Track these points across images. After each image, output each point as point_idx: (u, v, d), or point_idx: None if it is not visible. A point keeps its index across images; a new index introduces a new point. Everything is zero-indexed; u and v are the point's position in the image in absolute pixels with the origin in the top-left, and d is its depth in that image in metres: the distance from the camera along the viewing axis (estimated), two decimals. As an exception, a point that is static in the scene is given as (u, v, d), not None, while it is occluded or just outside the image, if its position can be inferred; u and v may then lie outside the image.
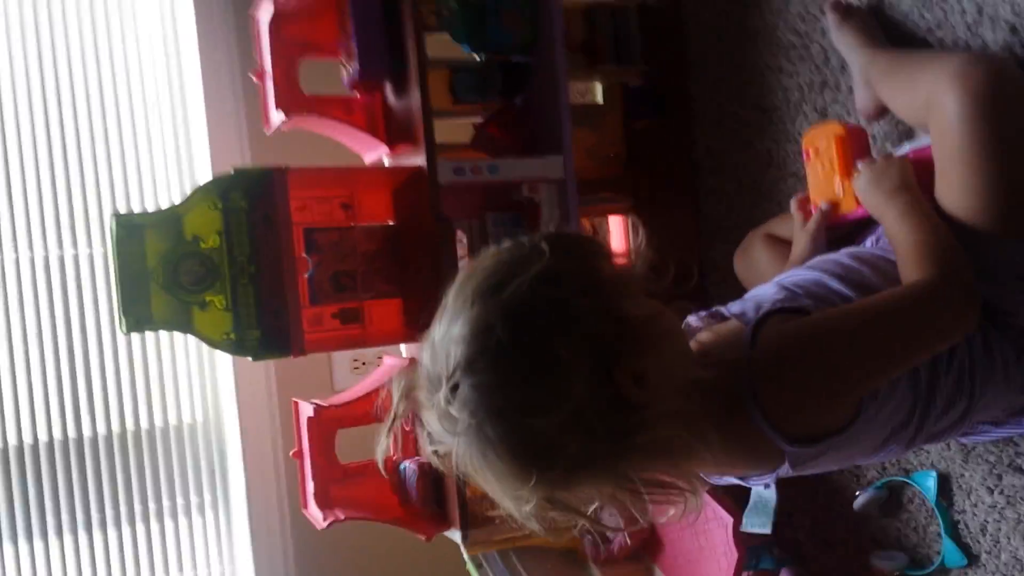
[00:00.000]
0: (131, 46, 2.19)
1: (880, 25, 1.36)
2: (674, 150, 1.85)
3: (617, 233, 2.05)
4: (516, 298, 0.78)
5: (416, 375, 0.84)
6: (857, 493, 1.47)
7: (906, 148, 1.23)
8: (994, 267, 1.02)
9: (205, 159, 2.13)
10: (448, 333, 0.80)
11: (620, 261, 0.87)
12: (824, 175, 1.27)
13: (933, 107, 1.04)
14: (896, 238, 1.05)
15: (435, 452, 0.83)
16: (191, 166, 2.21)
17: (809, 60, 1.50)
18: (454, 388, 0.78)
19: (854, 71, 1.35)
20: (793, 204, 1.34)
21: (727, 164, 1.73)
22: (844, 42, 1.36)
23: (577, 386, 0.77)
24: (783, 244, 1.39)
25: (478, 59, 1.75)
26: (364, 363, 2.16)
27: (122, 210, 2.08)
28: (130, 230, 1.44)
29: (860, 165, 1.16)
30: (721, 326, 1.02)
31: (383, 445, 0.88)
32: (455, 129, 1.80)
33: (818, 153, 1.28)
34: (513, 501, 0.81)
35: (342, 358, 2.15)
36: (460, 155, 1.71)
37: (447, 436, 0.80)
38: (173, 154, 2.21)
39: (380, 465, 0.88)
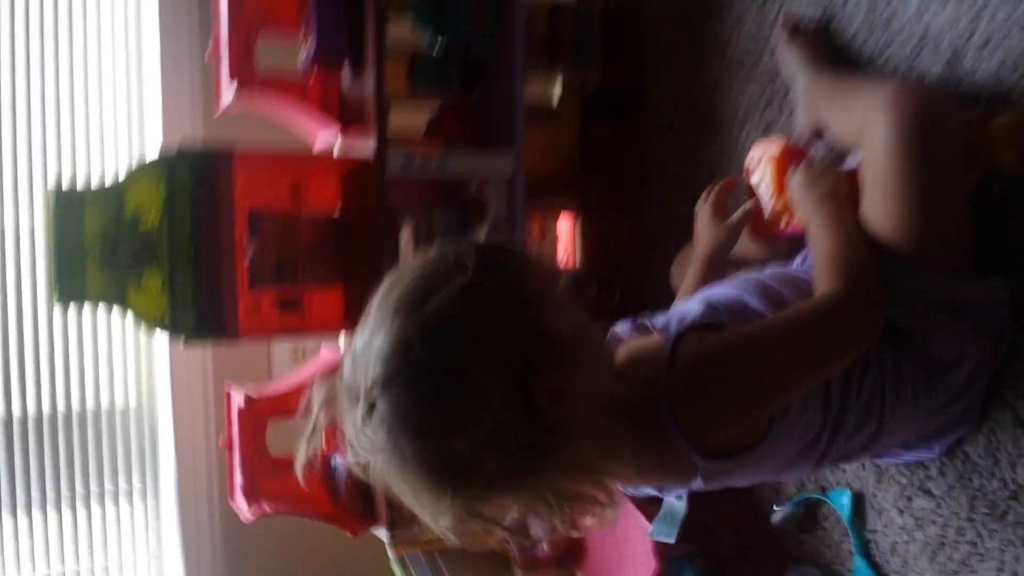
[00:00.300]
0: (91, 19, 2.16)
1: (827, 46, 1.38)
2: (626, 155, 1.86)
3: (564, 235, 2.07)
4: (437, 313, 0.78)
5: (336, 383, 0.83)
6: (775, 508, 1.49)
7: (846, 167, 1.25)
8: (910, 294, 1.04)
9: (157, 137, 2.10)
10: (368, 346, 0.80)
11: (545, 274, 0.87)
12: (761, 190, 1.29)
13: (865, 132, 1.07)
14: (815, 244, 1.07)
15: (356, 462, 0.83)
16: (142, 143, 2.18)
17: (758, 78, 1.53)
18: (371, 407, 0.78)
19: (798, 90, 1.38)
20: (712, 197, 1.35)
21: (674, 173, 1.74)
22: (790, 60, 1.39)
23: (493, 407, 0.77)
24: None
25: (438, 49, 1.75)
26: (304, 354, 2.15)
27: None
28: (68, 204, 1.41)
29: (799, 168, 1.19)
30: (644, 339, 1.02)
31: (302, 455, 0.87)
32: (409, 120, 1.79)
33: (756, 169, 1.30)
34: (431, 516, 0.81)
35: (281, 347, 2.13)
36: (412, 147, 1.71)
37: (364, 451, 0.81)
38: (125, 130, 2.18)
39: (300, 475, 0.87)
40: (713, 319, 1.00)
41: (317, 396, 0.85)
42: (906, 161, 1.01)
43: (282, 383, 1.68)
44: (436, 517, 0.81)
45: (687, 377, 0.91)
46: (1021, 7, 1.11)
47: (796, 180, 1.17)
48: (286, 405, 1.62)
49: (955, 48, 1.20)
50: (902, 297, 1.04)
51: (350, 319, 1.65)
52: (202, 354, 2.09)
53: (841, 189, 1.11)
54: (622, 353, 1.01)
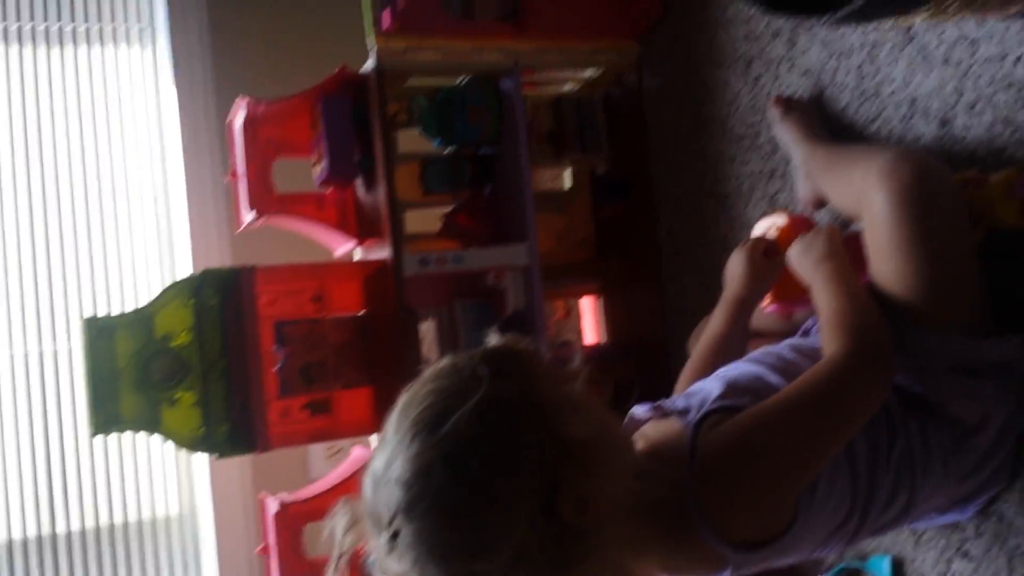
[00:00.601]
0: (116, 150, 2.27)
1: (821, 118, 1.41)
2: (639, 234, 1.89)
3: (588, 314, 2.10)
4: (455, 434, 0.77)
5: (359, 507, 0.82)
6: (819, 578, 1.47)
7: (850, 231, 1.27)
8: (926, 358, 1.04)
9: (187, 261, 2.18)
10: (388, 471, 0.79)
11: (561, 376, 0.86)
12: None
13: (864, 202, 1.08)
14: (820, 304, 1.07)
15: None
16: (173, 268, 2.26)
17: (758, 150, 1.56)
18: (395, 534, 0.77)
19: (796, 164, 1.40)
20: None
21: (687, 248, 1.77)
22: (786, 135, 1.42)
23: (519, 524, 0.76)
24: None
25: (447, 152, 1.81)
26: (339, 450, 2.17)
27: (104, 310, 2.12)
28: (100, 332, 1.47)
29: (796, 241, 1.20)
30: (663, 426, 1.01)
31: None
32: (428, 219, 1.85)
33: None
34: None
35: (317, 446, 2.16)
36: (430, 244, 1.76)
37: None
38: (156, 256, 2.27)
39: None
40: (730, 401, 0.98)
41: (340, 522, 0.84)
42: (907, 228, 1.02)
43: (316, 486, 1.71)
44: None
45: (709, 470, 0.90)
46: (1004, 67, 1.13)
47: (795, 248, 1.18)
48: (321, 507, 1.63)
49: (945, 111, 1.22)
50: (919, 361, 1.04)
51: (380, 417, 1.67)
52: (240, 461, 2.12)
53: (839, 248, 1.12)
54: (641, 443, 1.00)
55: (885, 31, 1.29)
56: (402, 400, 0.83)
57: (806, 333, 1.20)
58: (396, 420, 0.81)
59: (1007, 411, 1.07)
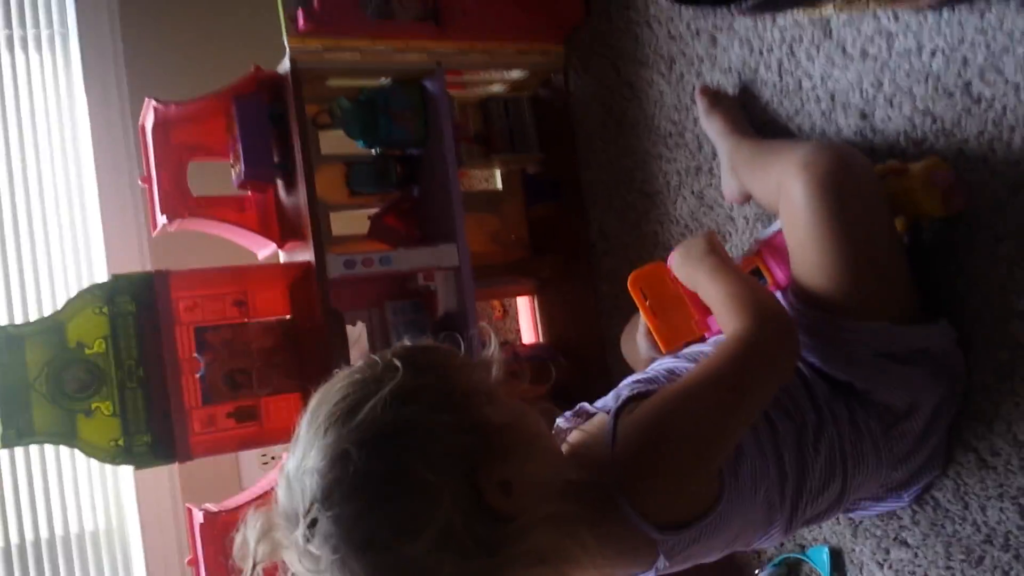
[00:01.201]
0: (29, 156, 2.20)
1: (745, 115, 1.41)
2: (572, 233, 1.89)
3: (525, 314, 2.09)
4: (370, 421, 0.76)
5: (272, 513, 0.80)
6: (756, 572, 1.47)
7: (772, 229, 1.27)
8: (852, 346, 1.05)
9: (102, 267, 2.12)
10: (302, 465, 0.77)
11: (475, 367, 0.85)
12: (666, 310, 1.23)
13: (783, 194, 1.08)
14: (710, 297, 1.07)
15: None
16: (89, 275, 2.20)
17: (685, 147, 1.56)
18: (312, 523, 0.74)
19: (721, 157, 1.40)
20: None
21: (619, 245, 1.76)
22: (712, 129, 1.42)
23: (442, 505, 0.74)
24: None
25: (374, 153, 1.78)
26: (273, 457, 2.13)
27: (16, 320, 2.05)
28: (9, 341, 1.41)
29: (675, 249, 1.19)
30: (589, 423, 1.02)
31: None
32: (357, 221, 1.82)
33: (651, 293, 1.23)
34: None
35: (249, 454, 2.12)
36: (359, 246, 1.73)
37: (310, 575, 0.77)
38: (71, 263, 2.20)
39: None
40: (644, 387, 0.99)
41: (252, 530, 0.81)
42: (825, 217, 1.02)
43: (243, 495, 1.67)
44: None
45: (626, 452, 0.90)
46: (921, 60, 1.14)
47: (675, 260, 1.17)
48: (250, 518, 1.60)
49: (865, 104, 1.23)
50: (845, 350, 1.04)
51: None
52: (168, 471, 2.07)
53: (716, 243, 1.13)
54: (571, 440, 0.99)
55: (803, 27, 1.29)
56: (314, 399, 0.82)
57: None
58: (309, 417, 0.80)
59: (936, 397, 1.08)
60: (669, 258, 1.19)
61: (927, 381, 1.07)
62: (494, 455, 0.78)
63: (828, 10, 0.90)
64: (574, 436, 1.00)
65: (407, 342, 0.85)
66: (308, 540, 0.75)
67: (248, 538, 0.82)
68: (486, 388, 0.83)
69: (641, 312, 1.23)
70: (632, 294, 1.22)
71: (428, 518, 0.74)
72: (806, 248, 1.06)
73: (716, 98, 1.42)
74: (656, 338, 1.22)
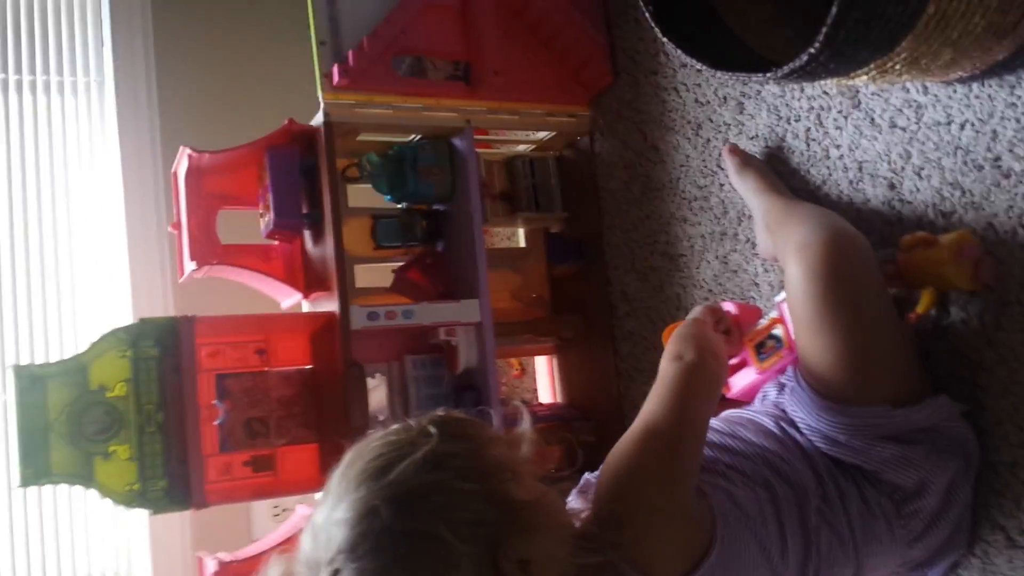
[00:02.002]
0: (60, 199, 2.23)
1: (775, 175, 1.42)
2: (593, 294, 1.89)
3: (543, 373, 2.08)
4: (401, 481, 0.77)
5: (295, 561, 0.81)
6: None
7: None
8: (853, 429, 1.05)
9: (127, 310, 2.14)
10: (330, 516, 0.78)
11: (506, 445, 0.87)
12: None
13: (784, 272, 1.10)
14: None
15: None
16: (115, 316, 2.21)
17: (710, 211, 1.57)
18: (335, 573, 0.75)
19: (755, 215, 1.40)
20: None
21: (640, 307, 1.77)
22: (745, 187, 1.41)
23: (461, 571, 0.75)
24: None
25: (400, 207, 1.80)
26: (284, 509, 2.11)
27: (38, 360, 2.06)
28: (31, 381, 1.42)
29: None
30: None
31: None
32: (380, 274, 1.83)
33: None
34: None
35: (261, 506, 2.10)
36: (381, 299, 1.73)
37: None
38: (95, 305, 2.21)
39: None
40: None
41: (273, 573, 0.82)
42: (820, 304, 1.04)
43: (256, 545, 1.65)
44: None
45: (601, 513, 0.91)
46: (950, 132, 1.15)
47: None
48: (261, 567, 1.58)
49: (893, 175, 1.24)
50: (847, 434, 1.04)
51: (326, 475, 1.63)
52: (181, 519, 2.06)
53: (696, 333, 1.14)
54: (583, 518, 0.98)
55: (831, 97, 1.31)
56: (348, 456, 0.83)
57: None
58: (342, 472, 0.81)
59: (949, 473, 1.06)
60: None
61: (935, 459, 1.05)
62: (516, 532, 0.79)
63: (861, 79, 0.91)
64: (584, 513, 0.99)
65: (441, 412, 0.87)
66: None
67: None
68: (513, 464, 0.84)
69: None
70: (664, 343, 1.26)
71: None
72: (803, 330, 1.07)
73: (746, 157, 1.43)
74: None
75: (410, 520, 0.76)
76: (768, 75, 0.85)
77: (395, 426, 0.84)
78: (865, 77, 0.90)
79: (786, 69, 0.83)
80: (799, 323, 1.08)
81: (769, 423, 1.12)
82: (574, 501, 1.03)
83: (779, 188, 1.39)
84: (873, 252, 1.09)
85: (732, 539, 0.94)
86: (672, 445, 0.95)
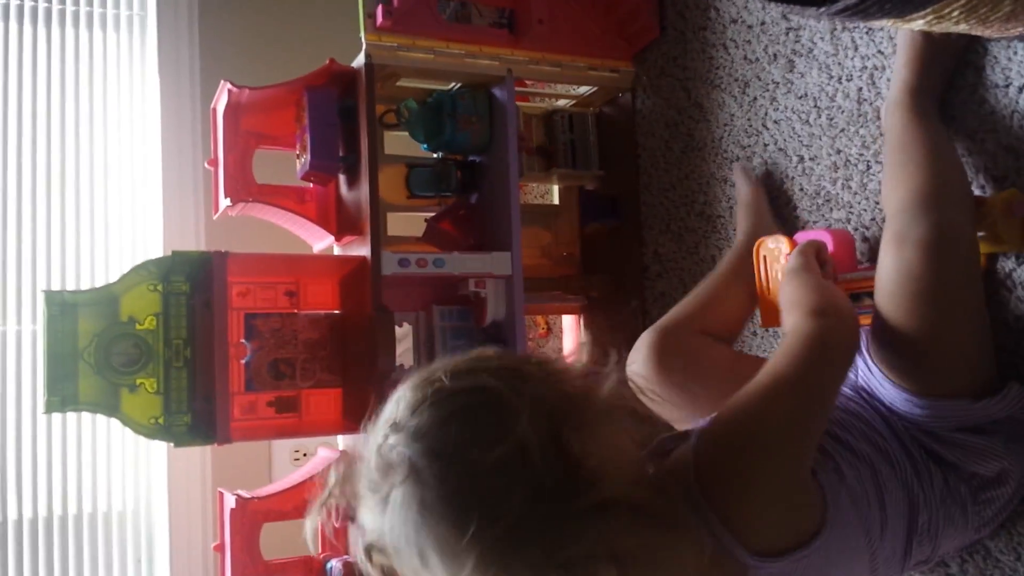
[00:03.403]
0: (98, 131, 2.23)
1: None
2: (626, 254, 1.87)
3: (569, 331, 2.06)
4: (467, 362, 0.78)
5: (358, 462, 0.80)
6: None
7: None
8: (934, 422, 1.02)
9: (158, 243, 2.14)
10: (398, 420, 0.77)
11: (585, 376, 0.82)
12: (773, 288, 1.25)
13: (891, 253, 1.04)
14: (782, 295, 1.07)
15: (368, 549, 0.77)
16: (145, 247, 2.22)
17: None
18: (394, 427, 0.75)
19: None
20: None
21: (673, 269, 1.74)
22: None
23: (520, 425, 0.72)
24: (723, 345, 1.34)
25: (435, 157, 1.78)
26: (305, 454, 2.12)
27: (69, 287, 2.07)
28: (62, 308, 1.42)
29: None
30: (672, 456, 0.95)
31: (314, 520, 0.83)
32: (412, 223, 1.81)
33: (767, 265, 1.26)
34: (448, 568, 0.72)
35: (282, 448, 2.11)
36: (412, 248, 1.72)
37: (378, 504, 0.75)
38: (129, 234, 2.22)
39: (309, 541, 0.84)
40: None
41: (336, 469, 0.82)
42: (920, 289, 0.99)
43: (276, 484, 1.65)
44: (456, 572, 0.71)
45: (711, 463, 0.84)
46: (1008, 95, 1.12)
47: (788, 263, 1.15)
48: (281, 507, 1.59)
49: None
50: (928, 426, 1.02)
51: (349, 418, 1.63)
52: (201, 456, 2.07)
53: (805, 260, 1.11)
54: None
55: (886, 56, 1.27)
56: (427, 367, 0.81)
57: None
58: (417, 379, 0.79)
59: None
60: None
61: (1013, 447, 1.03)
62: (580, 419, 0.76)
63: (917, 23, 0.88)
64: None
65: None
66: (385, 439, 0.75)
67: (331, 475, 0.82)
68: (588, 385, 0.80)
69: (755, 278, 1.27)
70: (753, 258, 1.27)
71: (504, 431, 0.71)
72: (891, 312, 1.01)
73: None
74: (760, 309, 1.27)
75: (469, 379, 0.76)
76: (821, 10, 0.81)
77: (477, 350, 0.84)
78: (921, 21, 0.86)
79: (839, 6, 0.80)
80: (886, 307, 1.02)
81: (855, 397, 1.08)
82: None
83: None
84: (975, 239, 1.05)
85: (841, 523, 0.89)
86: (803, 409, 0.90)
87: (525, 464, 0.71)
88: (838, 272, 1.19)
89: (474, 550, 0.69)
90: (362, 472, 0.78)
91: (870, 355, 1.06)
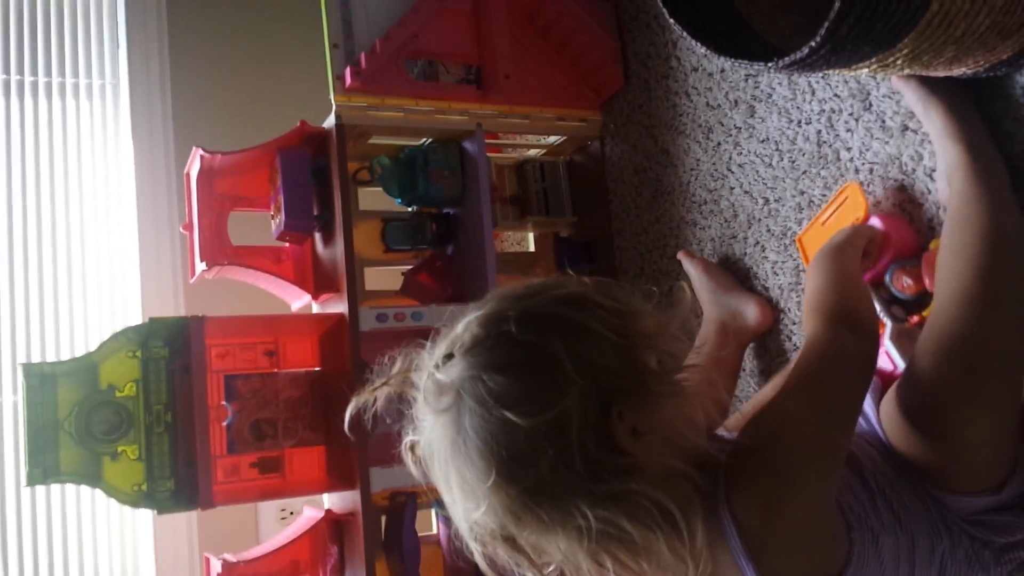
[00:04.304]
0: (73, 199, 2.25)
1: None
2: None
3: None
4: (539, 304, 0.79)
5: (420, 358, 0.83)
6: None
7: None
8: (955, 512, 0.97)
9: (137, 310, 2.15)
10: (466, 317, 0.80)
11: (656, 321, 0.81)
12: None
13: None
14: (807, 285, 1.06)
15: (410, 443, 0.82)
16: (124, 314, 2.22)
17: (720, 215, 1.56)
18: (448, 357, 0.77)
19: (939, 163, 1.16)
20: None
21: (650, 313, 1.76)
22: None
23: (568, 399, 0.73)
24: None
25: (410, 211, 1.80)
26: (292, 512, 2.11)
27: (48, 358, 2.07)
28: (41, 379, 1.42)
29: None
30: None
31: (360, 400, 0.87)
32: (389, 277, 1.83)
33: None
34: (465, 504, 0.77)
35: (268, 508, 2.10)
36: (391, 302, 1.74)
37: (427, 415, 0.79)
38: (107, 302, 2.22)
39: (347, 420, 0.88)
40: None
41: (401, 358, 0.85)
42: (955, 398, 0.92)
43: (262, 547, 1.64)
44: (471, 507, 0.76)
45: (737, 468, 0.81)
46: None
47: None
48: (268, 569, 1.58)
49: (904, 177, 1.23)
50: (950, 514, 0.96)
51: (333, 476, 1.63)
52: (187, 521, 2.06)
53: (853, 240, 1.11)
54: None
55: (842, 99, 1.31)
56: (503, 295, 0.83)
57: None
58: (489, 309, 0.81)
59: None
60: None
61: None
62: (637, 395, 0.77)
63: (862, 72, 0.91)
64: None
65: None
66: (437, 368, 0.78)
67: (393, 364, 0.86)
68: (657, 338, 0.80)
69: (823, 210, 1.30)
70: (837, 194, 1.28)
71: (549, 402, 0.74)
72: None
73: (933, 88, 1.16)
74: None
75: (534, 334, 0.76)
76: (769, 64, 0.84)
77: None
78: (867, 70, 0.89)
79: (788, 60, 0.83)
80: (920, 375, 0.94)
81: (880, 454, 1.00)
82: None
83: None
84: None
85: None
86: (829, 429, 0.86)
87: (562, 436, 0.74)
88: (896, 257, 1.19)
89: (490, 497, 0.74)
90: (421, 374, 0.81)
91: (889, 439, 0.98)
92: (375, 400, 0.87)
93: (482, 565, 0.81)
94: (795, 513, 0.81)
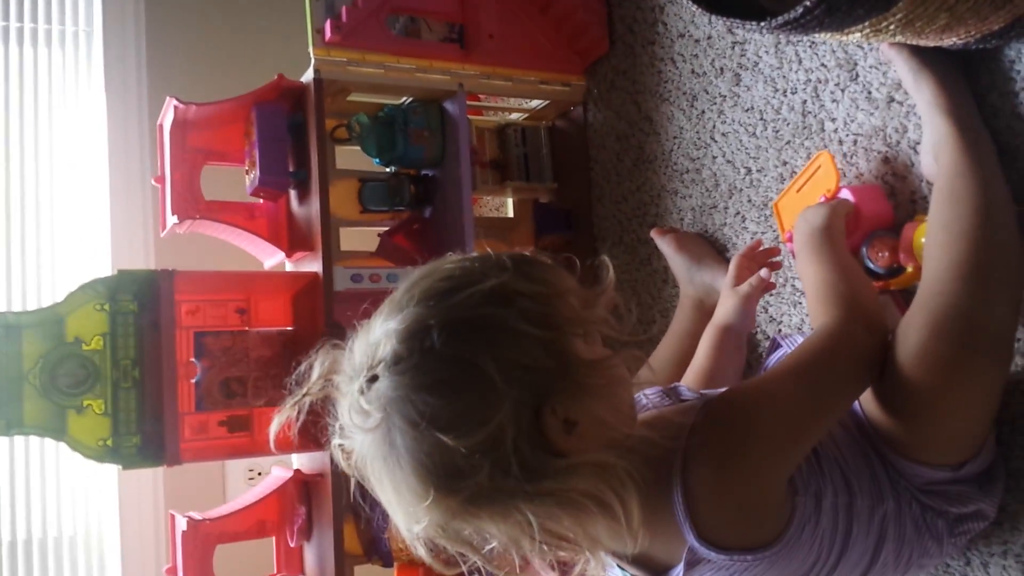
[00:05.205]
0: (44, 148, 2.20)
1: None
2: (580, 265, 1.87)
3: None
4: (461, 306, 0.75)
5: (344, 359, 0.80)
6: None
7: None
8: (910, 479, 0.98)
9: (107, 262, 2.11)
10: (385, 325, 0.77)
11: (582, 299, 0.81)
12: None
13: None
14: (806, 278, 1.05)
15: (340, 447, 0.80)
16: (93, 266, 2.18)
17: (701, 184, 1.55)
18: (372, 379, 0.75)
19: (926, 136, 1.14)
20: (733, 262, 1.30)
21: (627, 280, 1.75)
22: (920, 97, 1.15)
23: (501, 413, 0.73)
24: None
25: (388, 171, 1.77)
26: (260, 473, 2.09)
27: (15, 308, 2.03)
28: (7, 330, 1.39)
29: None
30: (678, 406, 0.96)
31: (283, 416, 0.84)
32: (365, 237, 1.81)
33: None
34: (405, 517, 0.77)
35: (236, 468, 2.08)
36: (366, 263, 1.71)
37: (355, 431, 0.77)
38: (76, 253, 2.19)
39: (272, 439, 0.88)
40: None
41: (319, 365, 0.82)
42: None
43: (229, 505, 1.63)
44: (411, 521, 0.76)
45: (704, 428, 0.84)
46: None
47: (796, 223, 1.15)
48: (234, 528, 1.56)
49: (888, 149, 1.22)
50: (902, 480, 0.97)
51: (302, 437, 1.61)
52: (153, 478, 2.03)
53: (835, 220, 1.10)
54: (651, 413, 0.95)
55: (829, 69, 1.29)
56: (420, 270, 0.80)
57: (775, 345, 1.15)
58: (408, 285, 0.79)
59: (999, 496, 1.02)
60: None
61: (988, 487, 1.01)
62: (568, 388, 0.76)
63: (854, 36, 0.89)
64: (660, 410, 0.95)
65: (528, 252, 0.83)
66: (363, 393, 0.75)
67: (314, 368, 0.83)
68: (584, 321, 0.80)
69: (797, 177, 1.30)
70: (809, 163, 1.28)
71: (483, 420, 0.73)
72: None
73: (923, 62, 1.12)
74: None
75: (460, 347, 0.74)
76: (762, 24, 0.83)
77: (475, 253, 0.82)
78: (859, 35, 0.88)
79: (780, 20, 0.81)
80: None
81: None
82: (655, 396, 0.99)
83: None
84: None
85: (796, 545, 0.87)
86: (807, 412, 0.88)
87: (497, 449, 0.73)
88: (871, 229, 1.18)
89: (431, 514, 0.74)
90: (344, 389, 0.79)
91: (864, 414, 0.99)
92: (299, 412, 0.85)
93: (425, 557, 0.80)
94: (744, 491, 0.83)
